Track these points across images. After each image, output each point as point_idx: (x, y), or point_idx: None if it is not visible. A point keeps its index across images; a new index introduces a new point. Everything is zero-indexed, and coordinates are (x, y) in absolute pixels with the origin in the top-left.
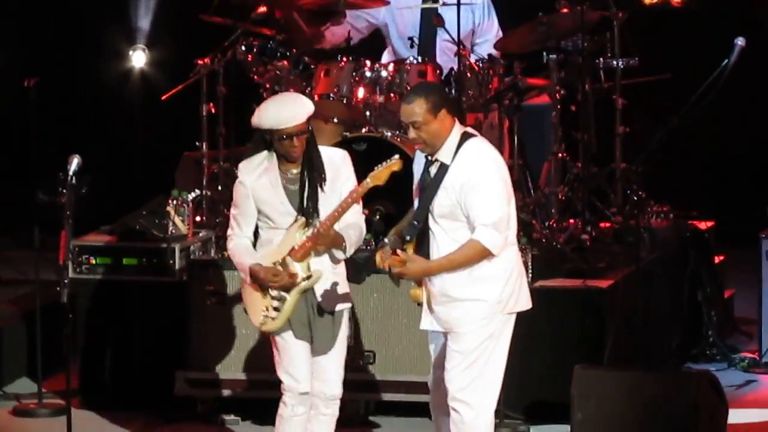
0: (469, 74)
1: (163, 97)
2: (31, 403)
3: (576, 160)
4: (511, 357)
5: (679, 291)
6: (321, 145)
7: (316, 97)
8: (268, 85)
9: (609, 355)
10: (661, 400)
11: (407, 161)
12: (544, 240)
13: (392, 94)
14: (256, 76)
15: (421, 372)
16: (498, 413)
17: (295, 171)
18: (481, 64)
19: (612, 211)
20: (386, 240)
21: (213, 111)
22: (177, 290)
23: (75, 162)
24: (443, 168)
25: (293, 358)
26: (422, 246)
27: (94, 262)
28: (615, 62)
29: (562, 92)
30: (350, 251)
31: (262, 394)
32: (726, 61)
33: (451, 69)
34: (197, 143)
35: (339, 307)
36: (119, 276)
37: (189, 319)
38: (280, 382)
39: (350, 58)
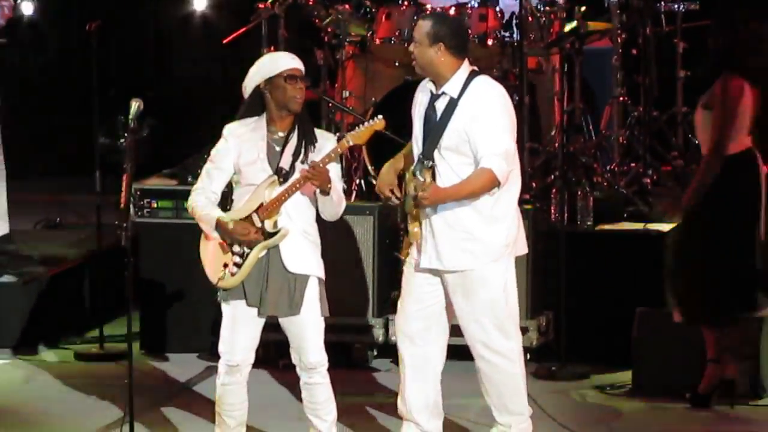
0: (530, 18)
1: (225, 41)
2: (92, 348)
3: (637, 103)
4: (572, 301)
5: None
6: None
7: (377, 41)
8: (329, 29)
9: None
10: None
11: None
12: (605, 184)
13: None
14: (317, 20)
15: None
16: (559, 358)
17: (281, 134)
18: (542, 8)
19: (673, 154)
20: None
21: None
22: None
23: (136, 105)
24: (452, 103)
25: (232, 328)
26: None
27: (155, 205)
28: (676, 6)
29: (623, 36)
30: (333, 194)
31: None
32: None
33: (513, 13)
34: None
35: (303, 270)
36: (181, 219)
37: None
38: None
39: (411, 2)
